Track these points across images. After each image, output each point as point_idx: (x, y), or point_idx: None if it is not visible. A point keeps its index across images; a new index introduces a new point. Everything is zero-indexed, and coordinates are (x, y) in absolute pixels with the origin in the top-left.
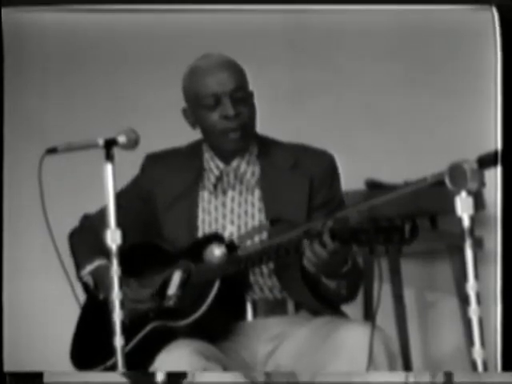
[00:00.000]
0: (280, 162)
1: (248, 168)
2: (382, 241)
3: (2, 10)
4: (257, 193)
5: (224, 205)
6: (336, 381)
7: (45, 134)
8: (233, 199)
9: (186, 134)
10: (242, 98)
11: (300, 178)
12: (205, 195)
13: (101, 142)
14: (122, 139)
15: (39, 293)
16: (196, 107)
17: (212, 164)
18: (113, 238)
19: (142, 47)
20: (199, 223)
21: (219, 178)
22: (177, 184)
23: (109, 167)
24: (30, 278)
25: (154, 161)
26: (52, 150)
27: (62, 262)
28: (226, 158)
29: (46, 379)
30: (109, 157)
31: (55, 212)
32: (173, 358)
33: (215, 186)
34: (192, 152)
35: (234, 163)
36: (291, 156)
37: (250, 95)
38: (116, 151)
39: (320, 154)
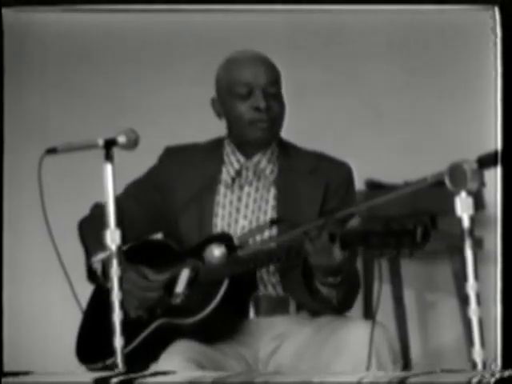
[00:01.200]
0: (299, 166)
1: (268, 165)
2: (394, 245)
3: (2, 10)
4: (272, 191)
5: (239, 199)
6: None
7: (45, 133)
8: (249, 194)
9: (186, 134)
10: (274, 93)
11: (316, 184)
12: (221, 189)
13: (100, 142)
14: (121, 139)
15: (39, 293)
16: (227, 96)
17: (233, 158)
18: (112, 238)
19: (142, 47)
20: (213, 216)
21: (239, 172)
22: (194, 178)
23: (108, 167)
24: (29, 279)
25: (172, 154)
26: (52, 150)
27: (62, 262)
28: (248, 153)
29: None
30: (108, 157)
31: (55, 212)
32: (165, 367)
33: (233, 180)
34: (212, 147)
35: (255, 158)
36: (311, 162)
37: (282, 95)
38: (116, 151)
39: (339, 164)
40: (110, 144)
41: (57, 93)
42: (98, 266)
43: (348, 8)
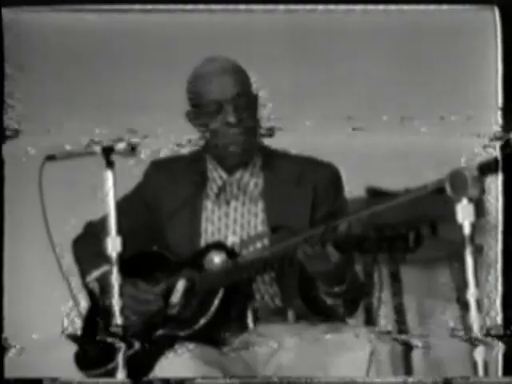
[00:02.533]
0: (284, 174)
1: (251, 179)
2: (386, 249)
3: (2, 10)
4: (260, 204)
5: (227, 215)
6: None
7: (46, 133)
8: (236, 209)
9: (186, 135)
10: (245, 103)
11: (304, 191)
12: (208, 204)
13: (98, 149)
14: (119, 146)
15: (39, 295)
16: (199, 112)
17: (215, 174)
18: (113, 245)
19: (142, 47)
20: (202, 232)
21: (222, 189)
22: (180, 192)
23: (109, 174)
24: (30, 282)
25: (158, 168)
26: (51, 157)
27: (61, 268)
28: (229, 169)
29: None
30: (109, 164)
31: (56, 217)
32: (172, 363)
33: (218, 196)
34: (195, 160)
35: (237, 174)
36: (296, 168)
37: (254, 99)
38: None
39: (325, 167)
40: (107, 151)
41: (57, 92)
42: (94, 286)
43: (348, 8)
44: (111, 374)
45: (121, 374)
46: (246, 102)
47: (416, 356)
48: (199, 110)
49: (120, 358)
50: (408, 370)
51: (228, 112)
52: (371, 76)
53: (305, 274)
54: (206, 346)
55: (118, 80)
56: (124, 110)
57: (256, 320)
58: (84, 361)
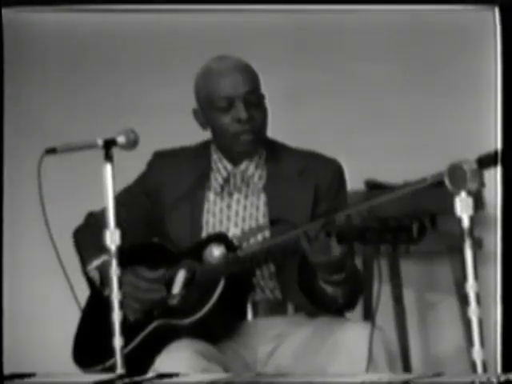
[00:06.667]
0: (287, 168)
1: (256, 171)
2: (390, 240)
3: (2, 10)
4: (262, 197)
5: (229, 207)
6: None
7: (45, 133)
8: (238, 202)
9: (186, 134)
10: (255, 101)
11: (306, 186)
12: (210, 196)
13: (100, 142)
14: (121, 139)
15: (39, 294)
16: (208, 109)
17: (220, 165)
18: (112, 238)
19: (143, 47)
20: (203, 224)
21: (226, 180)
22: (183, 183)
23: (108, 167)
24: (29, 279)
25: (161, 158)
26: (51, 151)
27: (61, 262)
28: (235, 160)
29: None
30: (108, 157)
31: (55, 212)
32: (173, 358)
33: (222, 188)
34: (200, 152)
35: (243, 165)
36: (299, 163)
37: (262, 98)
38: (115, 151)
39: (328, 163)
40: (109, 144)
41: (57, 92)
42: (94, 274)
43: (348, 8)
44: (110, 370)
45: (120, 371)
46: (256, 99)
47: (414, 352)
48: (209, 105)
49: (119, 354)
50: (406, 366)
51: (239, 108)
52: (371, 75)
53: (305, 264)
54: (206, 343)
55: (118, 80)
56: (124, 110)
57: (255, 313)
58: (82, 358)
